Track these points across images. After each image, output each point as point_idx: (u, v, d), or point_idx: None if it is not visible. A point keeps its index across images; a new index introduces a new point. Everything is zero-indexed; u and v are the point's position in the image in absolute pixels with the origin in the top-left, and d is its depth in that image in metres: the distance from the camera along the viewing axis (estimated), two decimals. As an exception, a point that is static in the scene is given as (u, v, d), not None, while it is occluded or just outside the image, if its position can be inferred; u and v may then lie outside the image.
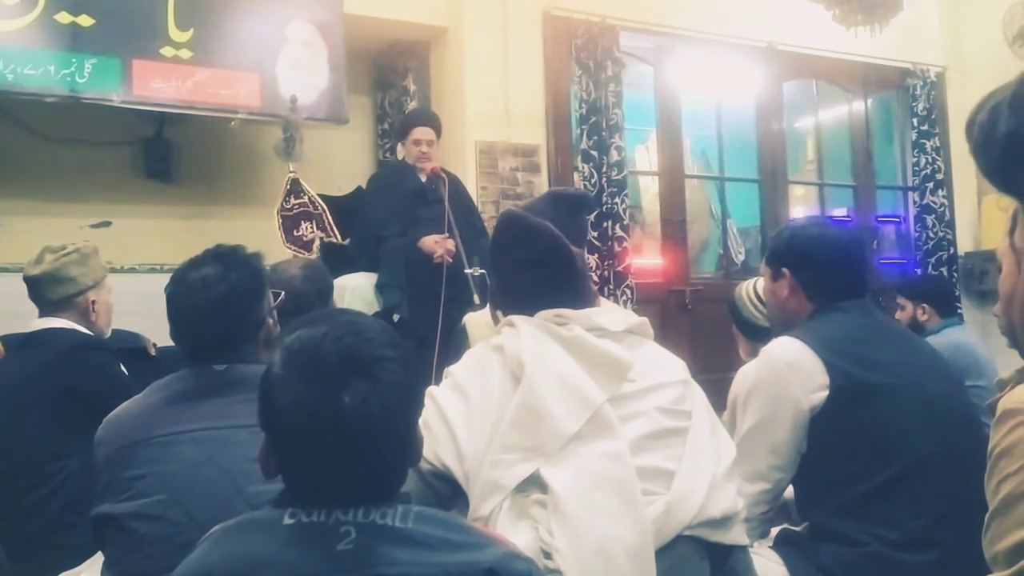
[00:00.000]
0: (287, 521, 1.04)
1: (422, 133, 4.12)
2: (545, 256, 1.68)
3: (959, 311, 5.52)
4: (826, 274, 1.95)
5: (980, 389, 3.27)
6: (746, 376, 1.91)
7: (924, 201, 5.89)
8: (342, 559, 1.01)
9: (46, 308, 2.65)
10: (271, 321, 1.77)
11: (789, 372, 1.81)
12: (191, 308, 1.66)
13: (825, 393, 1.78)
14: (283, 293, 1.94)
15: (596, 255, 4.64)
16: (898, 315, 3.98)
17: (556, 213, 1.77)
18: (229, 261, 1.70)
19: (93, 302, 2.69)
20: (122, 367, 2.70)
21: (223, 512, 1.35)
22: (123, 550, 1.56)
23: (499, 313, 1.74)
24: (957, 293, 5.77)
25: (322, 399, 1.02)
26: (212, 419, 1.58)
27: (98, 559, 2.44)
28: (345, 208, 4.28)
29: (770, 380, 1.84)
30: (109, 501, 1.58)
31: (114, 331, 2.89)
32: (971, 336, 3.96)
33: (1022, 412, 0.92)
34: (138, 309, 3.41)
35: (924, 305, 3.91)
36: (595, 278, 4.59)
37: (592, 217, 4.63)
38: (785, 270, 2.00)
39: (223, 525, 1.10)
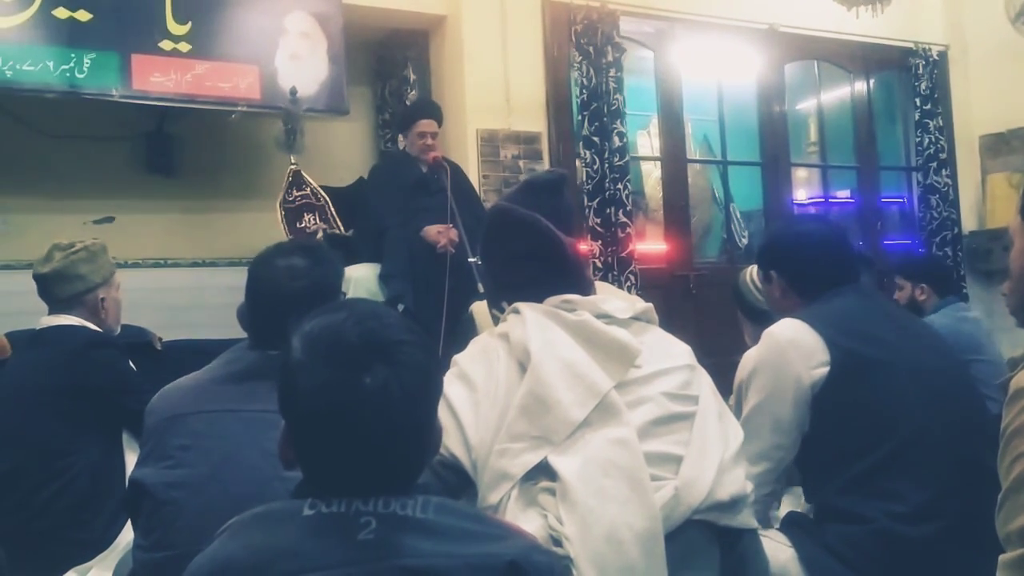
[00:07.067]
0: (307, 512, 1.03)
1: (427, 126, 4.09)
2: (536, 249, 1.67)
3: (963, 289, 5.54)
4: (809, 267, 2.02)
5: (982, 364, 3.29)
6: (749, 359, 1.94)
7: (928, 181, 5.85)
8: (363, 549, 1.00)
9: (55, 306, 2.65)
10: None
11: (791, 349, 1.84)
12: (274, 294, 1.69)
13: (826, 369, 1.80)
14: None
15: (600, 241, 4.63)
16: (897, 295, 4.00)
17: (531, 200, 1.76)
18: (316, 255, 1.76)
19: (102, 299, 2.69)
20: (131, 363, 2.71)
21: (260, 492, 1.36)
22: (158, 520, 1.59)
23: (504, 304, 1.72)
24: (962, 272, 5.76)
25: (343, 382, 1.02)
26: (262, 402, 1.57)
27: (109, 554, 2.45)
28: (347, 199, 4.29)
29: (772, 358, 1.87)
30: (151, 466, 1.63)
31: (120, 327, 2.89)
32: (970, 312, 3.96)
33: None
34: (142, 304, 3.42)
35: (923, 285, 3.92)
36: (599, 264, 4.58)
37: (594, 203, 4.63)
38: (772, 272, 2.08)
39: (240, 517, 1.09)
